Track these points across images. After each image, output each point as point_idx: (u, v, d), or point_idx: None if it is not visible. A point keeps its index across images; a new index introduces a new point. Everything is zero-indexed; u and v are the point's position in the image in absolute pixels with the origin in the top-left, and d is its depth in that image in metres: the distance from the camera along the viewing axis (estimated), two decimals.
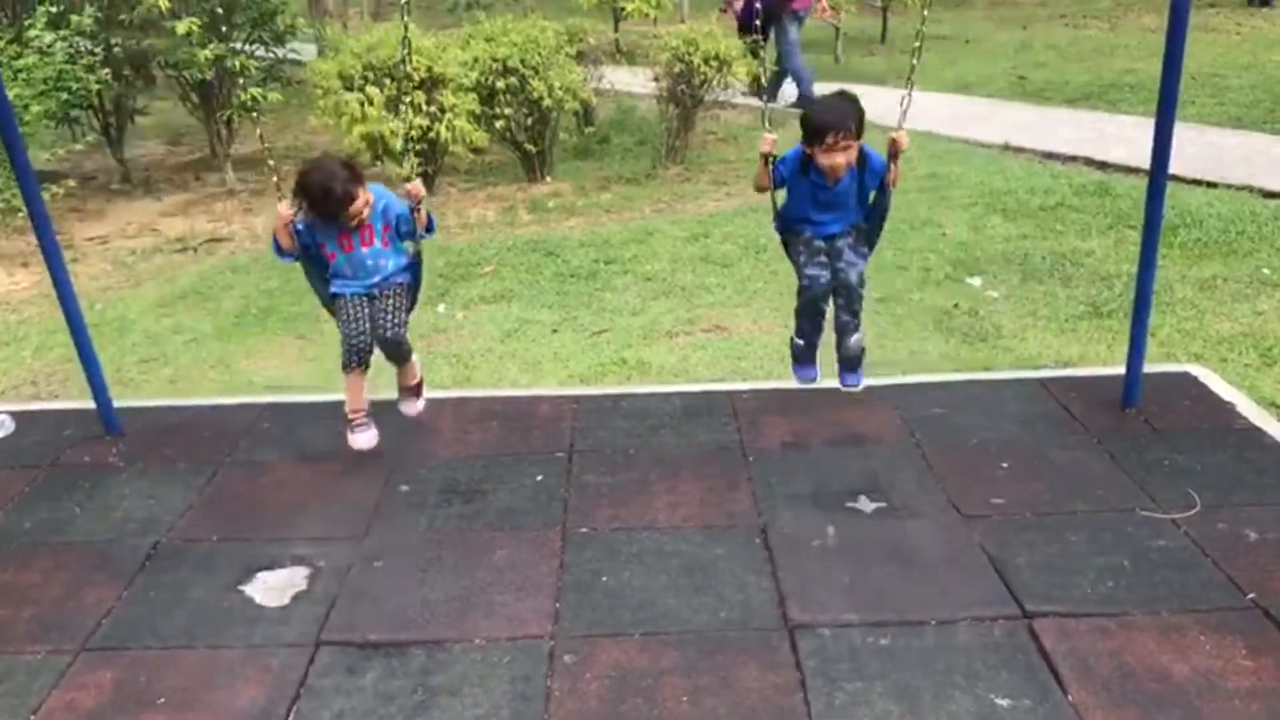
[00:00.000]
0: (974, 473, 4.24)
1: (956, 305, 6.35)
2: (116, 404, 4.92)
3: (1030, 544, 3.73)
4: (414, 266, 4.49)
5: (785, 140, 4.41)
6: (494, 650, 3.32)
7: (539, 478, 4.35)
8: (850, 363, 4.68)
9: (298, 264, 4.45)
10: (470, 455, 4.56)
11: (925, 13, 4.36)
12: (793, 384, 4.92)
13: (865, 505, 4.04)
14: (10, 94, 4.30)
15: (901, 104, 4.29)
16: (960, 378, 5.21)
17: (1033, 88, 13.42)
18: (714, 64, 9.80)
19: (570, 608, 3.51)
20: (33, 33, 8.79)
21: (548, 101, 9.42)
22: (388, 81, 8.85)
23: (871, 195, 4.47)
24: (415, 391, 4.75)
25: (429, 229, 4.41)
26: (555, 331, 6.32)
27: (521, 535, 3.94)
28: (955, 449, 4.44)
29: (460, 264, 7.61)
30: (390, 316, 4.33)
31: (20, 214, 7.86)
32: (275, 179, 4.56)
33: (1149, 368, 4.81)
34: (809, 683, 3.11)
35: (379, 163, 9.37)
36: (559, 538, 3.91)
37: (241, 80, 9.60)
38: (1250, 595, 3.39)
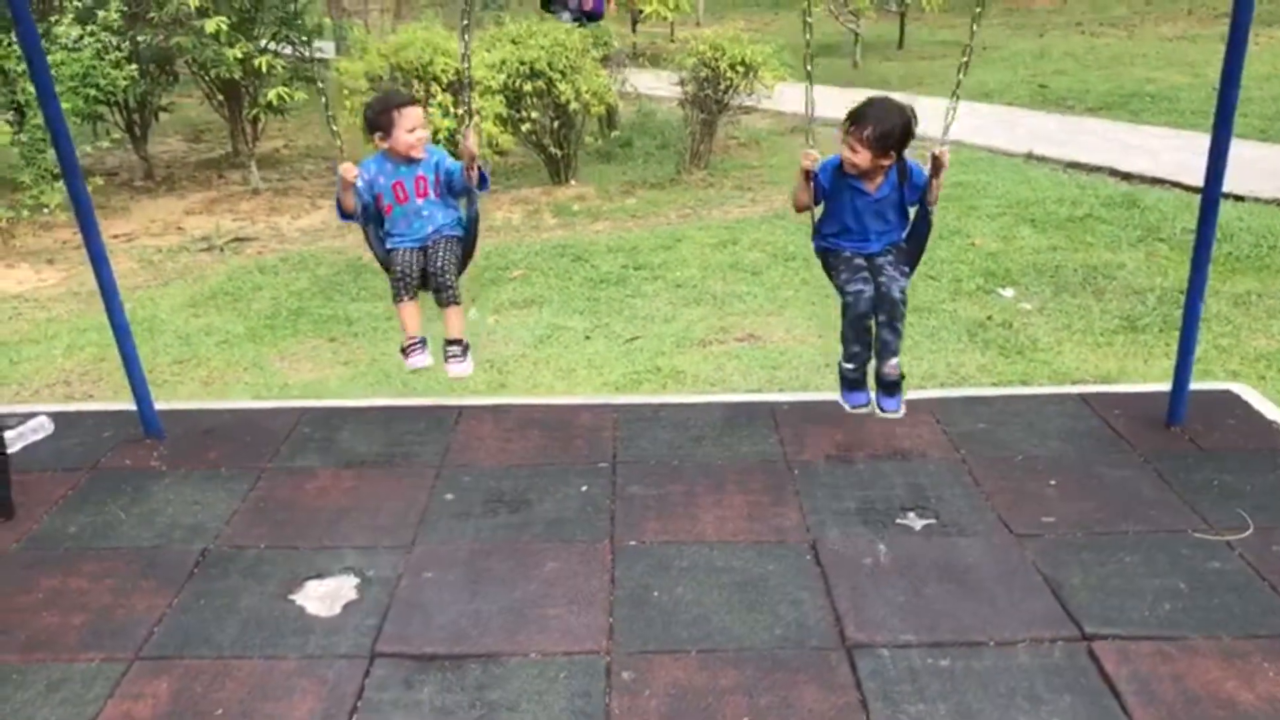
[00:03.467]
0: (1022, 490, 4.22)
1: (990, 317, 6.33)
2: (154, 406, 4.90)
3: (1084, 564, 3.71)
4: (467, 224, 4.59)
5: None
6: (550, 665, 3.31)
7: (584, 488, 4.34)
8: (890, 387, 4.43)
9: (356, 226, 4.60)
10: (513, 464, 4.54)
11: (975, 27, 4.19)
12: (833, 395, 4.89)
13: (914, 522, 4.03)
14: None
15: (946, 118, 4.15)
16: (1001, 392, 5.20)
17: (1053, 96, 13.42)
18: (740, 69, 9.78)
19: (624, 623, 3.49)
20: (60, 29, 8.76)
21: (574, 105, 9.42)
22: (415, 83, 8.83)
23: (912, 213, 4.34)
24: (460, 348, 4.68)
25: (482, 183, 4.44)
26: (588, 338, 6.31)
27: (571, 547, 3.92)
28: (1001, 464, 4.42)
29: (489, 268, 7.59)
30: (440, 259, 4.46)
31: (46, 210, 7.85)
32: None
33: (1191, 385, 4.78)
34: (870, 705, 3.09)
35: None
36: (608, 550, 3.90)
37: (268, 79, 9.59)
38: None
